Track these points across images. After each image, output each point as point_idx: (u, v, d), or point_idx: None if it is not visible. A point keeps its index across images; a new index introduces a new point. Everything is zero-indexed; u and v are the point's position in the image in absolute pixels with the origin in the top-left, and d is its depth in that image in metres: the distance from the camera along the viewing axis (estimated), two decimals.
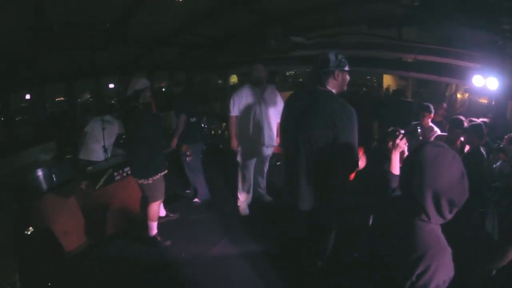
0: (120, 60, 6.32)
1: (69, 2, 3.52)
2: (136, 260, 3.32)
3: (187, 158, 4.33)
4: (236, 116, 4.02)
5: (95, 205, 3.61)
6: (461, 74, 4.93)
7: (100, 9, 3.92)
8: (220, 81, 12.31)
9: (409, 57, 5.80)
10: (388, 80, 11.36)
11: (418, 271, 1.19)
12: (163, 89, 12.30)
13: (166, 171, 3.59)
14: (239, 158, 4.21)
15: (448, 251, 1.24)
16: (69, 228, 3.38)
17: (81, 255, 3.41)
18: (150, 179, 3.41)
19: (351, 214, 3.01)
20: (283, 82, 14.07)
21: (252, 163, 4.20)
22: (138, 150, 3.38)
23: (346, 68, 2.31)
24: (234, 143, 4.10)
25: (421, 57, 5.52)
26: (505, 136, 3.40)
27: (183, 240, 3.66)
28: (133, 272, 3.16)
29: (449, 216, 1.24)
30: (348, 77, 2.35)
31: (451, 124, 3.73)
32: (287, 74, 15.29)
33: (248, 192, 4.31)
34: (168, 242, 3.65)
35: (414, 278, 1.20)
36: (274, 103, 4.03)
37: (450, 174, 1.20)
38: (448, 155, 1.23)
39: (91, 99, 9.48)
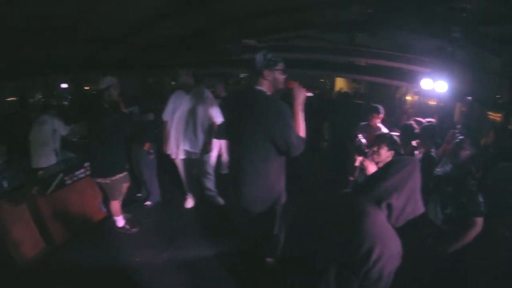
0: (73, 59, 5.99)
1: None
2: (91, 266, 3.19)
3: (151, 156, 4.24)
4: (167, 121, 4.07)
5: (47, 211, 3.48)
6: (411, 78, 5.09)
7: (54, 6, 3.71)
8: (173, 83, 11.98)
9: (362, 61, 5.90)
10: (340, 83, 11.65)
11: (373, 257, 1.24)
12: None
13: (125, 173, 3.58)
14: (176, 161, 4.26)
15: (398, 240, 1.33)
16: (23, 236, 3.23)
17: (36, 265, 3.22)
18: (108, 179, 3.41)
19: (304, 211, 3.07)
20: (236, 84, 13.91)
21: (186, 165, 4.24)
22: (98, 150, 3.36)
23: (278, 67, 2.28)
24: (165, 146, 4.15)
25: (372, 62, 5.64)
26: (449, 133, 3.58)
27: (138, 245, 3.57)
28: (87, 280, 3.02)
29: (400, 223, 1.37)
30: (281, 76, 2.32)
31: (403, 132, 3.79)
32: (241, 76, 15.14)
33: (189, 192, 4.41)
34: (136, 229, 3.77)
35: (370, 264, 1.25)
36: (201, 103, 3.97)
37: (418, 187, 1.38)
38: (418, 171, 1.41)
39: (43, 99, 8.85)
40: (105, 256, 3.34)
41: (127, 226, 3.79)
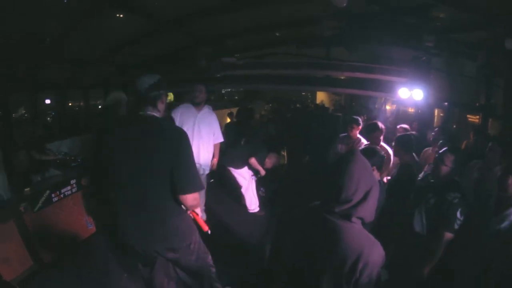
0: (55, 77, 5.97)
1: (6, 16, 3.38)
2: (79, 285, 3.16)
3: None
4: None
5: (34, 229, 3.44)
6: (388, 88, 5.19)
7: (38, 25, 3.81)
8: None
9: (340, 75, 5.99)
10: (321, 96, 11.82)
11: (360, 266, 1.28)
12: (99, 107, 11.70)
13: None
14: None
15: (378, 243, 1.38)
16: (10, 254, 3.16)
17: (22, 284, 3.14)
18: None
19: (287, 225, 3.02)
20: (219, 100, 14.02)
21: None
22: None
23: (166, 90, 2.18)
24: None
25: (350, 74, 5.73)
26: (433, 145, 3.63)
27: (124, 262, 3.44)
28: None
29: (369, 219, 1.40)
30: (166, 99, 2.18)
31: (367, 130, 3.90)
32: (223, 92, 15.38)
33: None
34: None
35: (357, 274, 1.29)
36: (209, 124, 4.03)
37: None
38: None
39: (26, 115, 8.64)
40: (93, 274, 3.31)
41: None
